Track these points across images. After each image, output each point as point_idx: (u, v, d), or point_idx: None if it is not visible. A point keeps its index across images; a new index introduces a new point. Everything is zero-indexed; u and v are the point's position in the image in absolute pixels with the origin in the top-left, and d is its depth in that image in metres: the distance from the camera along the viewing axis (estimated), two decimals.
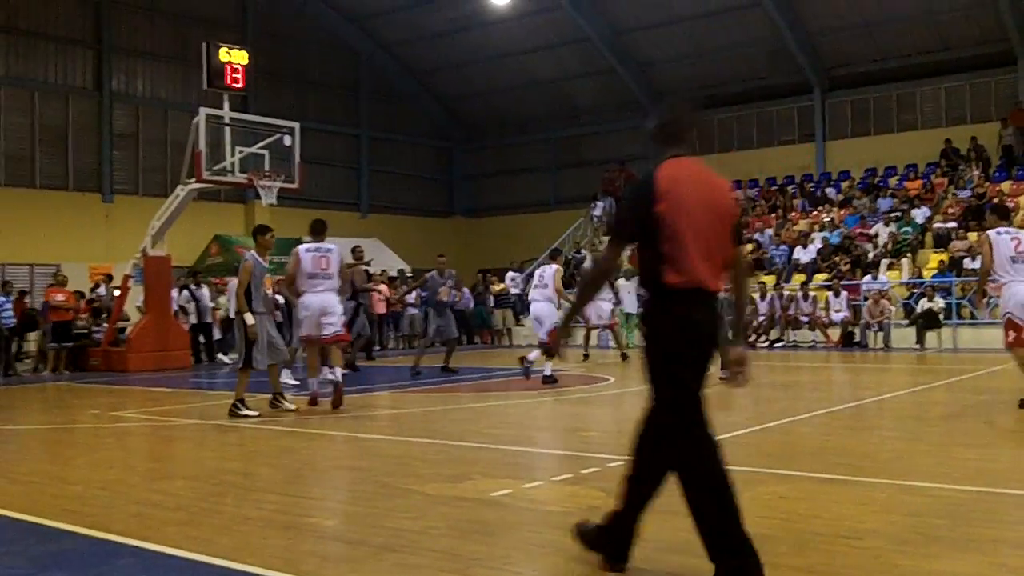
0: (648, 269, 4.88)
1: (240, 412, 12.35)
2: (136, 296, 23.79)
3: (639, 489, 5.04)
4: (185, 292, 24.70)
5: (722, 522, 4.71)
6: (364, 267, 20.42)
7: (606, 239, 5.32)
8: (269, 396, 13.04)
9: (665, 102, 5.72)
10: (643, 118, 38.88)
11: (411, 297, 26.69)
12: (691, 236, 4.77)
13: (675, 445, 4.83)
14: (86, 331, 23.31)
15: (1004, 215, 12.44)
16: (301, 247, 13.27)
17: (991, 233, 11.70)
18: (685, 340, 4.82)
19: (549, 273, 16.82)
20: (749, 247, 21.41)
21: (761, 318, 25.52)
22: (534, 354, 16.13)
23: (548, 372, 15.70)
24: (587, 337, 23.41)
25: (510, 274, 33.04)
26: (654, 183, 4.83)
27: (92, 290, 25.84)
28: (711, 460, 4.76)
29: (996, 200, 27.82)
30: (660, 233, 4.77)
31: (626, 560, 5.11)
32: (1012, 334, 11.53)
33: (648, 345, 4.95)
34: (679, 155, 5.04)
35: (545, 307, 16.61)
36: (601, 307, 21.94)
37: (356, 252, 19.51)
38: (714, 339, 4.90)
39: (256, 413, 12.42)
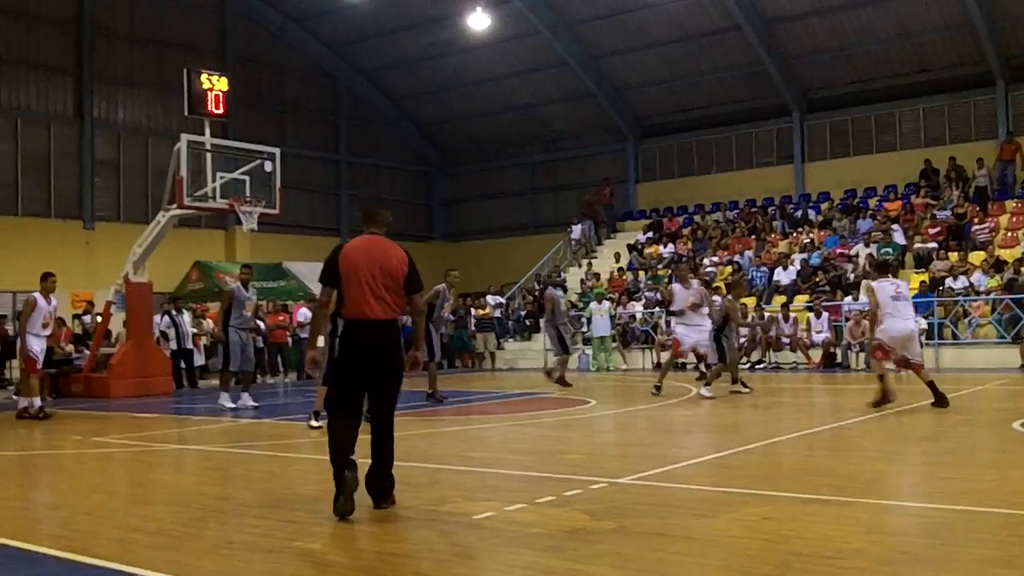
0: (337, 305, 7.50)
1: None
2: (118, 322, 23.70)
3: (344, 445, 7.30)
4: (166, 318, 24.61)
5: (336, 455, 7.23)
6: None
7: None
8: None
9: (362, 206, 8.49)
10: (622, 142, 39.17)
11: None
12: (358, 285, 7.35)
13: (328, 411, 7.59)
14: (67, 357, 23.22)
15: (885, 271, 15.11)
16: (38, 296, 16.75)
17: (872, 283, 14.49)
18: (351, 353, 7.39)
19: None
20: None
21: (742, 339, 25.56)
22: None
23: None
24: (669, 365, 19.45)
25: (491, 297, 33.07)
26: (340, 251, 7.57)
27: (76, 317, 25.88)
28: (338, 420, 7.37)
29: (980, 222, 28.03)
30: (341, 282, 7.41)
31: (350, 502, 7.12)
32: (880, 354, 14.10)
33: (334, 353, 7.54)
34: (372, 232, 7.68)
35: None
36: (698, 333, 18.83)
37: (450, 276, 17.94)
38: (380, 351, 7.39)
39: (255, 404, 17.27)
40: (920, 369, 14.31)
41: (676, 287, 18.09)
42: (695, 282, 18.29)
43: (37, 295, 16.79)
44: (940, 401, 13.87)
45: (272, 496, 8.28)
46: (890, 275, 14.99)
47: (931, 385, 13.98)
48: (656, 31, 34.71)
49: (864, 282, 14.73)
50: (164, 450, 12.58)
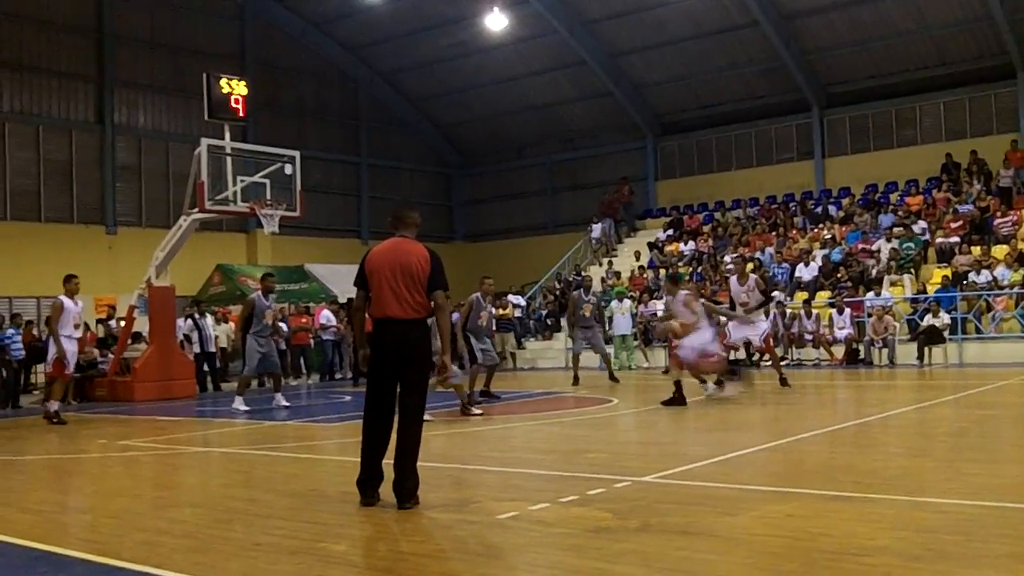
0: (369, 306, 7.79)
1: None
2: (141, 326, 23.83)
3: (372, 441, 7.65)
4: (189, 321, 24.73)
5: (363, 450, 7.66)
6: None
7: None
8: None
9: (392, 209, 8.33)
10: (640, 140, 39.10)
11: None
12: (380, 286, 7.61)
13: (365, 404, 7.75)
14: (92, 361, 23.34)
15: (678, 281, 16.47)
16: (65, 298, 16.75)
17: (680, 294, 15.34)
18: (378, 349, 7.64)
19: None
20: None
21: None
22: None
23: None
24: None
25: (513, 297, 33.02)
26: (367, 255, 7.83)
27: (100, 322, 26.06)
28: (368, 417, 7.68)
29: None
30: (368, 284, 7.73)
31: (372, 497, 7.57)
32: (717, 352, 15.15)
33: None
34: (401, 235, 7.87)
35: None
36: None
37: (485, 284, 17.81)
38: (405, 350, 7.59)
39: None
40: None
41: (732, 280, 17.99)
42: (753, 277, 18.04)
43: (63, 297, 16.79)
44: (677, 401, 14.64)
45: (297, 498, 8.31)
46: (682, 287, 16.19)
47: (677, 383, 14.90)
48: (673, 28, 34.66)
49: (683, 295, 15.46)
50: (189, 453, 12.64)
